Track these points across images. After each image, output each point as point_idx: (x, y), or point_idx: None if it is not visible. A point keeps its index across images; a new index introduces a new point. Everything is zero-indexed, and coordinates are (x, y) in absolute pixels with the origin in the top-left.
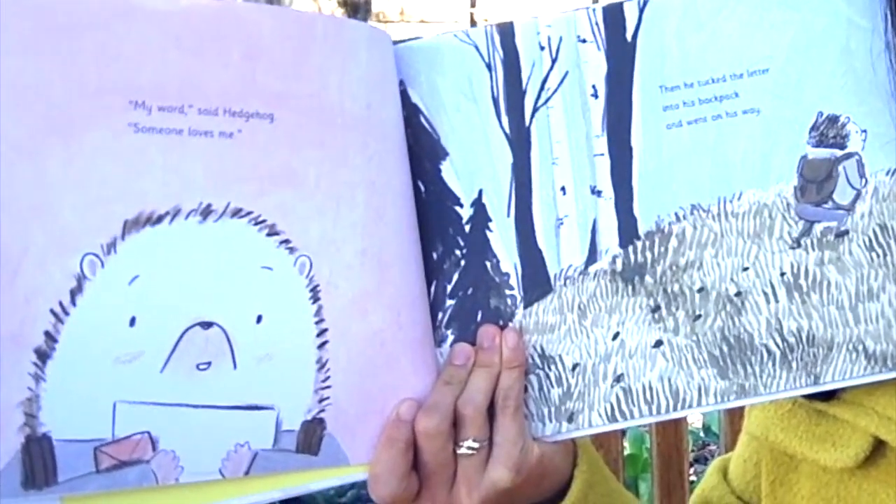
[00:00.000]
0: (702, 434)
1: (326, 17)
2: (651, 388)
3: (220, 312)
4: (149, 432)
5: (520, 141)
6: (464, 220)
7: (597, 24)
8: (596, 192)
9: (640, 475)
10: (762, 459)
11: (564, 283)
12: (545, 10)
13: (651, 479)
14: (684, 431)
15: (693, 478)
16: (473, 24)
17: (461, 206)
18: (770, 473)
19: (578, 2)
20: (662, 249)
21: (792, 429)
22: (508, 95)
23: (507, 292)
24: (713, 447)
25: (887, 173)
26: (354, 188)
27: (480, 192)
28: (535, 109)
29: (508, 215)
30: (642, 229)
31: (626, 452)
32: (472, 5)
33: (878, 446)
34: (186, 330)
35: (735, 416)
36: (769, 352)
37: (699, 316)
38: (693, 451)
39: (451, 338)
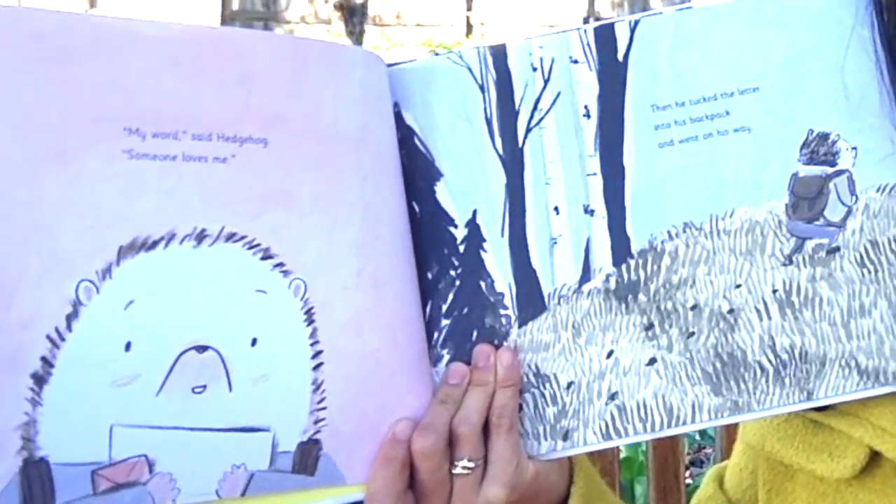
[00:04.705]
0: (697, 437)
1: (319, 42)
2: (645, 406)
3: (216, 336)
4: (145, 455)
5: (513, 161)
6: (458, 241)
7: (588, 44)
8: (589, 212)
9: (636, 478)
10: (758, 468)
11: (559, 302)
12: (539, 16)
13: (647, 482)
14: (680, 434)
15: (689, 480)
16: (469, 27)
17: (455, 226)
18: (766, 482)
19: (571, 11)
20: (655, 268)
21: (788, 439)
22: (501, 116)
23: (502, 312)
24: (709, 450)
25: (878, 190)
26: (349, 209)
27: (474, 212)
28: (528, 130)
29: (502, 235)
30: (635, 248)
31: (622, 455)
32: (469, 9)
33: (874, 457)
34: (182, 353)
35: None
36: (762, 368)
37: (692, 333)
38: (689, 453)
39: (446, 357)
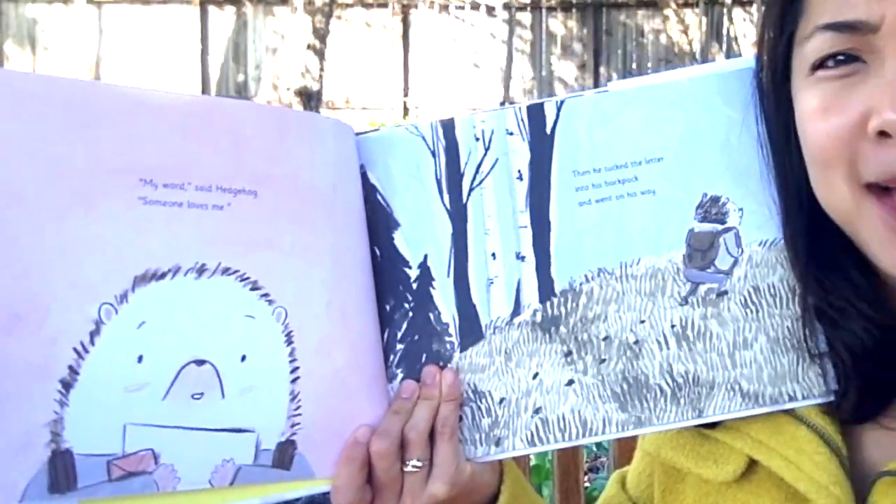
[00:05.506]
0: (594, 448)
1: (300, 113)
2: (564, 419)
3: (212, 352)
4: (152, 449)
5: (458, 215)
6: (412, 279)
7: (522, 119)
8: (520, 258)
9: (543, 482)
10: (654, 472)
11: (494, 332)
12: (463, 101)
13: (552, 485)
14: (580, 446)
15: (587, 484)
16: (406, 110)
17: (410, 267)
18: (661, 484)
19: (489, 97)
20: (574, 305)
21: (680, 448)
22: (449, 177)
23: (447, 339)
24: (604, 459)
25: (760, 244)
26: (322, 253)
27: (426, 256)
28: (471, 189)
29: (448, 276)
30: (558, 288)
31: (532, 463)
32: (405, 95)
33: (752, 464)
34: (184, 366)
35: None
36: (661, 390)
37: (604, 360)
38: (587, 462)
39: (400, 375)
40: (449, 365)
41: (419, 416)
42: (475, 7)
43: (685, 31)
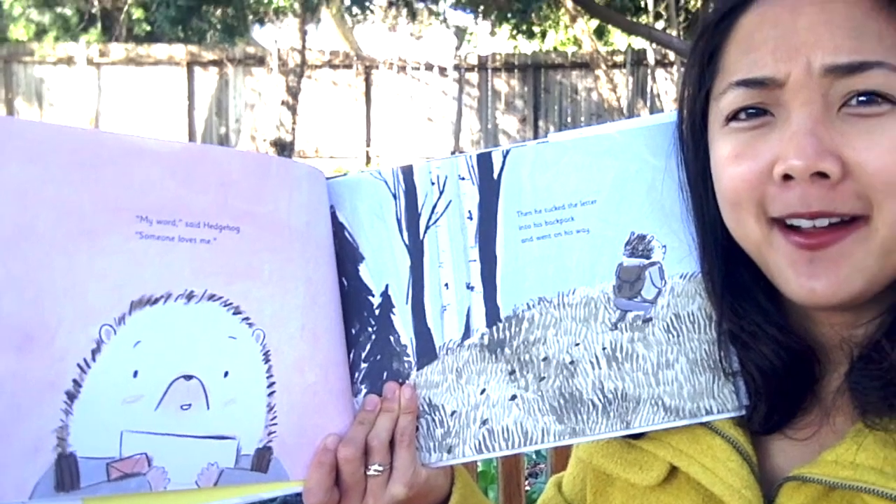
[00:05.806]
0: (534, 456)
1: (278, 159)
2: (508, 430)
3: (199, 368)
4: (146, 453)
5: (416, 250)
6: (375, 306)
7: (472, 166)
8: (470, 288)
9: (489, 486)
10: (587, 477)
11: (446, 353)
12: (418, 150)
13: (497, 489)
14: (521, 454)
15: (528, 488)
16: (369, 159)
17: (373, 295)
18: (592, 487)
19: (441, 147)
20: (517, 329)
21: (609, 455)
22: (408, 217)
23: (405, 359)
24: (542, 465)
25: (681, 277)
26: (297, 282)
27: (387, 286)
28: (427, 227)
29: (407, 303)
30: (503, 315)
31: (479, 469)
32: (368, 145)
33: (673, 471)
34: (174, 381)
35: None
36: (594, 405)
37: (543, 378)
38: (528, 468)
39: (364, 390)
40: (407, 381)
41: (381, 426)
42: (429, 68)
43: (614, 90)
